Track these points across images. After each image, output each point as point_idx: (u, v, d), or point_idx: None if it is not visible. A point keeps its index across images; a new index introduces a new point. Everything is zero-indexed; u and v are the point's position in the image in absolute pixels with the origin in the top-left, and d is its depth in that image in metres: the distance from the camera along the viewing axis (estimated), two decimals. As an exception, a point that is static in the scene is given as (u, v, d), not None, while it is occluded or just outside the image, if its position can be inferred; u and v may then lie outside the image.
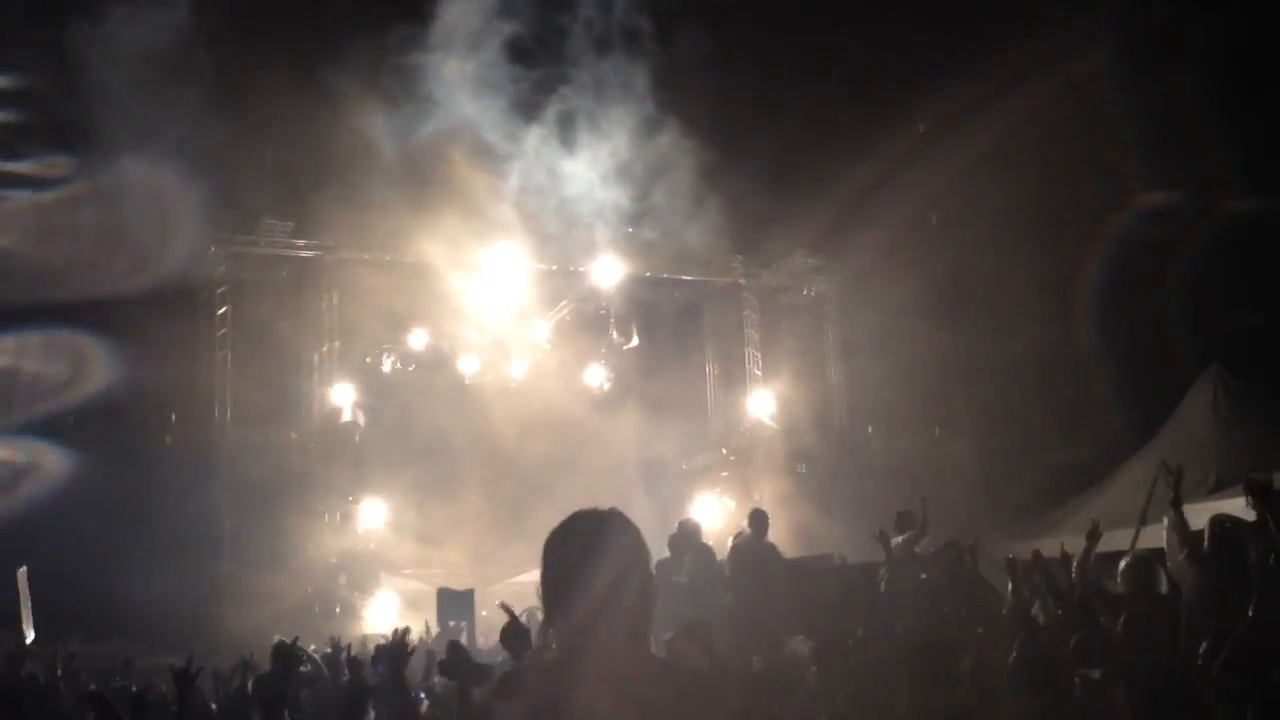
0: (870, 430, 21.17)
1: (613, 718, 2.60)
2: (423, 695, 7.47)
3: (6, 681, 8.43)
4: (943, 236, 19.20)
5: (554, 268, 19.95)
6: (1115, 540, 8.12)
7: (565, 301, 20.67)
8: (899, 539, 10.46)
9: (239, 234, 18.23)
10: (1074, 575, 6.83)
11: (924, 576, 9.13)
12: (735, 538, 10.70)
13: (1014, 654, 5.38)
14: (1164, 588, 6.59)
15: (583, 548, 2.75)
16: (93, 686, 9.57)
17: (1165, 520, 7.70)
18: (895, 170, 18.60)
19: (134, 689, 6.66)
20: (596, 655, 2.66)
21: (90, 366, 16.80)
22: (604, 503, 2.88)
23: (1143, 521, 9.56)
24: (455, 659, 5.97)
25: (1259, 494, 5.91)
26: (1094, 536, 7.17)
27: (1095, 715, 4.82)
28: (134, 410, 17.27)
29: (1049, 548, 8.70)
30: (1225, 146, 16.03)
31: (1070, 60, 17.13)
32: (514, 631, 5.92)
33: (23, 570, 13.61)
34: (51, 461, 16.74)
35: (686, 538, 10.54)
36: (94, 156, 15.13)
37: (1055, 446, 18.70)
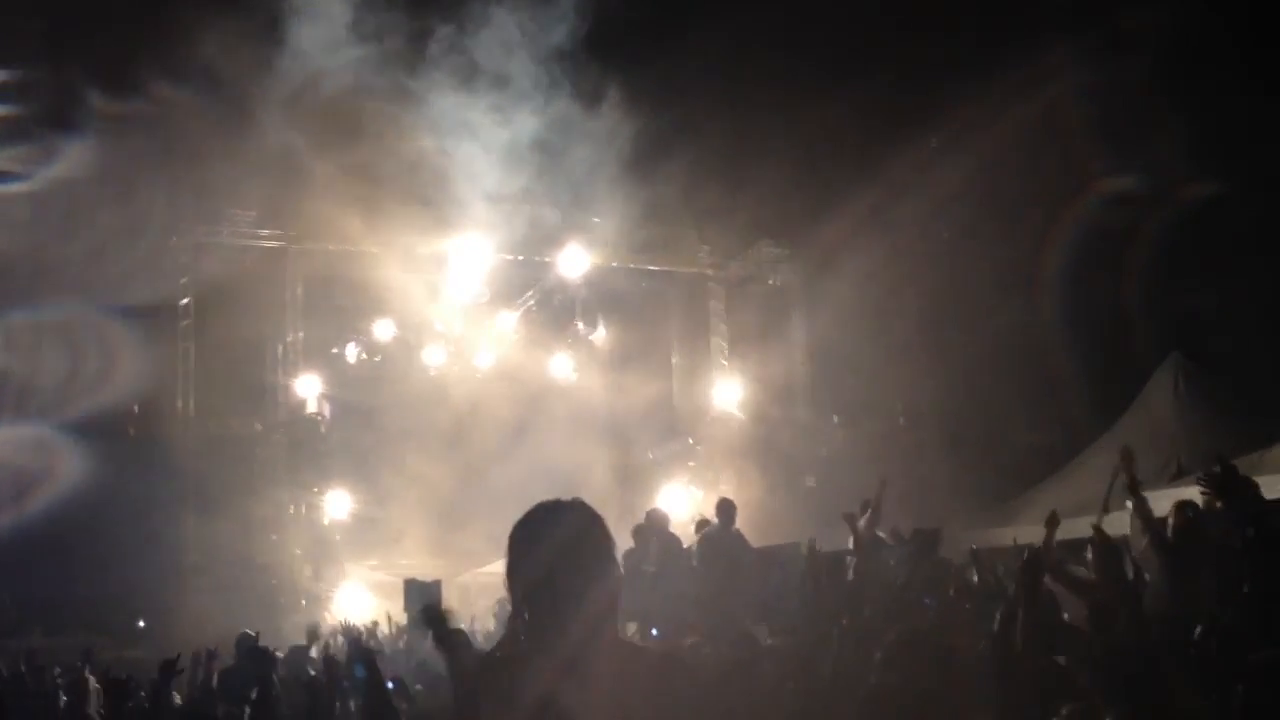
0: (835, 419, 21.25)
1: (586, 707, 2.60)
2: (391, 685, 7.47)
3: None
4: (907, 225, 19.29)
5: (519, 258, 19.88)
6: (1076, 528, 8.19)
7: (531, 292, 20.62)
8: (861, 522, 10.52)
9: (201, 224, 18.05)
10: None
11: (892, 564, 9.18)
12: (702, 527, 10.74)
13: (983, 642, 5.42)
14: (1130, 573, 6.67)
15: (546, 538, 2.76)
16: (59, 677, 9.52)
17: (1129, 507, 7.82)
18: (860, 159, 18.67)
19: (124, 676, 6.63)
20: (565, 645, 2.66)
21: (50, 359, 16.61)
22: (570, 493, 2.89)
23: (1105, 509, 9.65)
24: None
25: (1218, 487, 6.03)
26: (1053, 524, 7.25)
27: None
28: (96, 402, 17.09)
29: (1010, 536, 8.80)
30: (1181, 131, 16.18)
31: (1030, 48, 17.23)
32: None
33: None
34: (8, 455, 16.57)
35: (653, 527, 10.56)
36: (56, 146, 14.95)
37: (1019, 432, 18.90)
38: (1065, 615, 6.37)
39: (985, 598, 7.05)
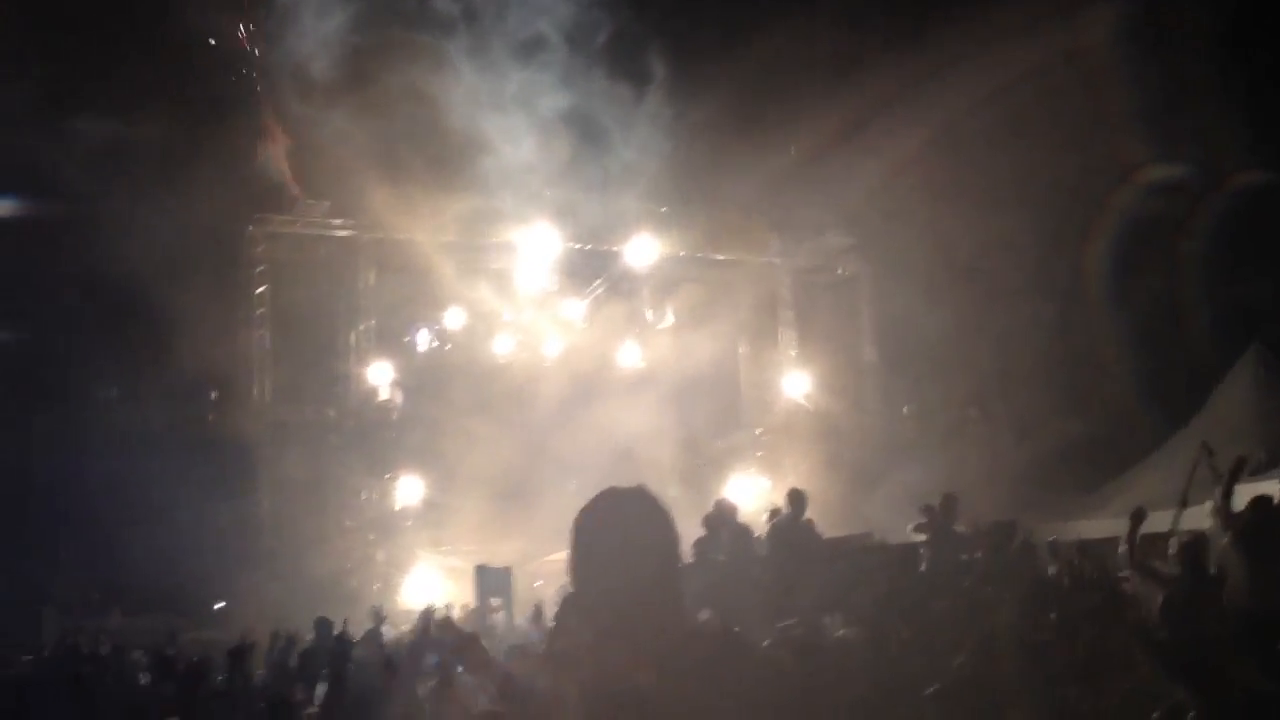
0: (905, 410, 21.07)
1: (657, 693, 2.58)
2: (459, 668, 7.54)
3: (65, 656, 8.57)
4: (977, 215, 19.03)
5: (588, 247, 19.94)
6: (1154, 522, 8.06)
7: (599, 281, 20.65)
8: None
9: (276, 214, 18.33)
10: (1122, 557, 6.83)
11: (964, 557, 9.09)
12: (773, 516, 10.69)
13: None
14: (1212, 569, 6.55)
15: (610, 525, 2.74)
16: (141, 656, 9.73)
17: (1209, 504, 7.68)
18: (929, 150, 18.47)
19: (195, 659, 6.79)
20: (631, 631, 2.63)
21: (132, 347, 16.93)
22: (637, 482, 2.84)
23: (1183, 503, 9.49)
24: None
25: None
26: (1138, 519, 7.12)
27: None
28: (174, 390, 17.44)
29: (1089, 529, 8.69)
30: (1234, 119, 15.85)
31: (1083, 38, 16.96)
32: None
33: None
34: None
35: (723, 516, 10.53)
36: (134, 138, 15.24)
37: (1089, 423, 18.60)
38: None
39: (1065, 589, 6.98)
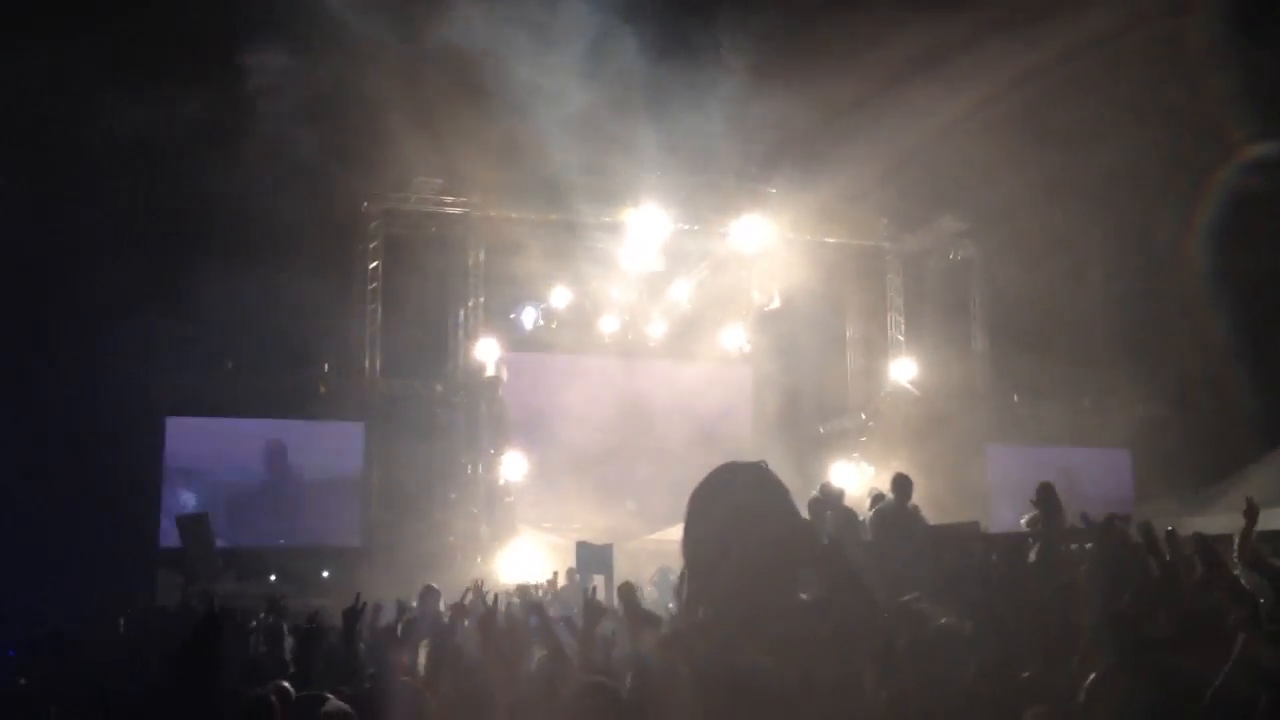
0: (1015, 398, 20.68)
1: (775, 675, 2.53)
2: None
3: (185, 615, 8.85)
4: (1090, 200, 18.58)
5: (696, 228, 19.92)
6: (1271, 519, 7.80)
7: (706, 262, 20.62)
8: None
9: (391, 191, 18.65)
10: (1235, 554, 6.60)
11: (1074, 548, 8.90)
12: (877, 501, 10.60)
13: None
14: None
15: (725, 501, 2.69)
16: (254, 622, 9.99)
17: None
18: (1040, 134, 18.03)
19: (311, 624, 6.97)
20: (748, 608, 2.60)
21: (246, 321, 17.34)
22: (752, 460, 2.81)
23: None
24: (594, 609, 6.03)
25: None
26: (1251, 515, 6.89)
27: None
28: (289, 361, 17.87)
29: (1205, 525, 8.41)
30: None
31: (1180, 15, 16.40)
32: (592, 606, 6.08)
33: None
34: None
35: (828, 500, 10.46)
36: (256, 114, 15.57)
37: (1206, 419, 18.08)
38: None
39: (1180, 582, 6.78)
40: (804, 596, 2.70)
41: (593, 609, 5.96)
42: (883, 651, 2.95)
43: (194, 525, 13.02)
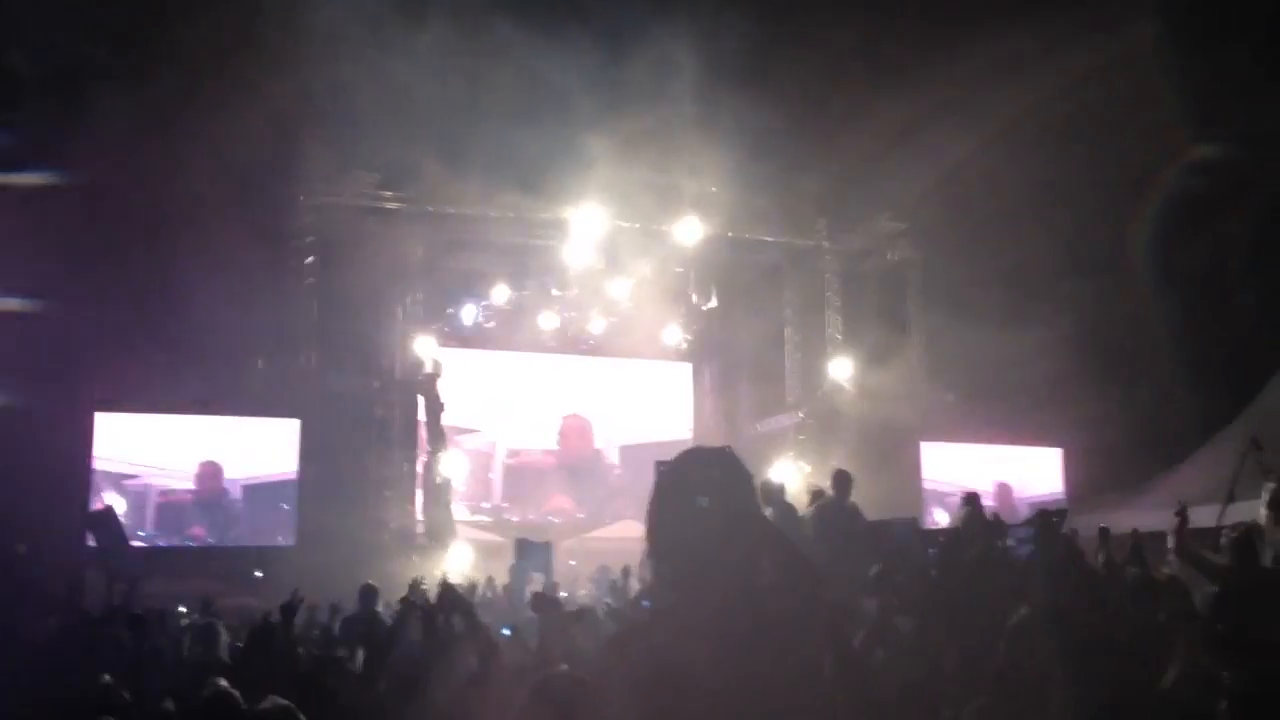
0: (951, 398, 20.91)
1: (738, 673, 2.52)
2: (505, 631, 7.59)
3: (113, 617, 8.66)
4: (1028, 201, 18.84)
5: (636, 226, 19.93)
6: (1199, 517, 7.99)
7: (645, 259, 20.63)
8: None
9: (327, 185, 18.43)
10: (1172, 549, 6.77)
11: (1011, 544, 9.02)
12: (817, 498, 10.64)
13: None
14: (1268, 560, 6.47)
15: (695, 485, 2.66)
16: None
17: (1264, 496, 7.60)
18: (979, 133, 18.26)
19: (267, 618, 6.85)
20: (715, 604, 2.58)
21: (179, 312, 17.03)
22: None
23: (1230, 498, 9.42)
24: (546, 601, 6.05)
25: None
26: (1182, 516, 7.06)
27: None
28: (224, 357, 17.56)
29: (1138, 521, 8.58)
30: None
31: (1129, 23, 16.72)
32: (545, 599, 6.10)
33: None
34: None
35: (768, 497, 10.50)
36: (195, 107, 15.33)
37: (1141, 415, 18.40)
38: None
39: (1107, 580, 6.91)
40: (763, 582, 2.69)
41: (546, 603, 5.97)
42: (838, 646, 2.93)
43: (103, 520, 12.70)
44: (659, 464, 2.81)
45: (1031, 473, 20.06)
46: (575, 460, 20.87)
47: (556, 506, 20.49)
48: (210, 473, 17.26)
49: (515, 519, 19.57)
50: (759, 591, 2.63)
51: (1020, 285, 18.85)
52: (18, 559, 11.63)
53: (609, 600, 11.61)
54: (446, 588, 6.57)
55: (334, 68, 16.01)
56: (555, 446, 20.90)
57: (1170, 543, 7.38)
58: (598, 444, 21.15)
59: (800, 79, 17.82)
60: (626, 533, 19.53)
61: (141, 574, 11.66)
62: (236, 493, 17.40)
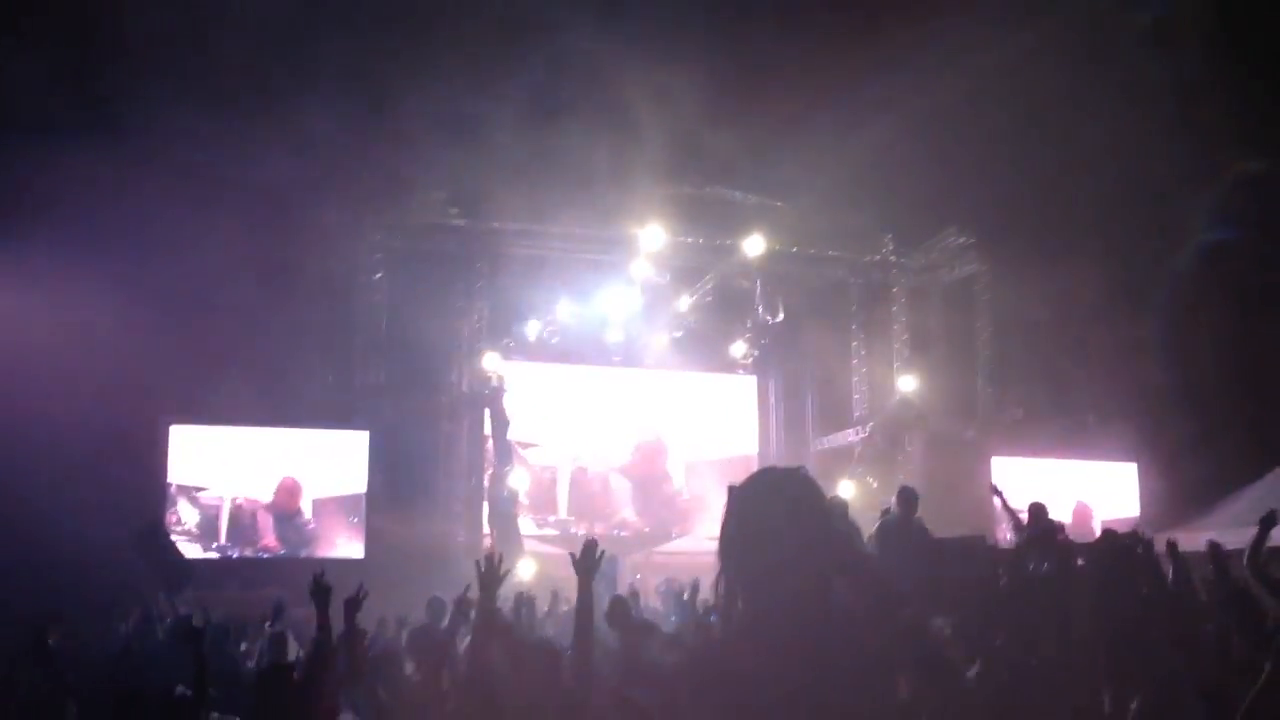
0: (1020, 413, 20.62)
1: (811, 696, 2.54)
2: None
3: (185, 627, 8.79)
4: (1101, 218, 18.55)
5: (700, 241, 19.95)
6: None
7: (711, 275, 20.64)
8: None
9: (395, 203, 18.66)
10: (1246, 562, 6.62)
11: (1079, 562, 8.86)
12: (883, 515, 10.56)
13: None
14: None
15: (769, 504, 2.72)
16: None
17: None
18: (1053, 150, 18.02)
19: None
20: (785, 617, 2.62)
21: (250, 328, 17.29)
22: (739, 479, 2.83)
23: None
24: (621, 613, 6.06)
25: None
26: (1268, 524, 6.88)
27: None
28: (295, 372, 17.82)
29: (1204, 539, 8.38)
30: None
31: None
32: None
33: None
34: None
35: (832, 515, 10.45)
36: (261, 126, 15.58)
37: (1215, 435, 18.02)
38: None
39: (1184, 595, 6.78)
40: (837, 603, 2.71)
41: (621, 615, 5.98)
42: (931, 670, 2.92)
43: (149, 536, 12.77)
44: (732, 487, 2.85)
45: (1105, 489, 19.70)
46: (643, 477, 20.89)
47: (622, 521, 20.51)
48: (289, 488, 17.49)
49: (581, 532, 19.61)
50: (834, 614, 2.67)
51: (1089, 298, 18.55)
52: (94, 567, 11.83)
53: (674, 619, 11.57)
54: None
55: (401, 86, 16.23)
56: (624, 462, 20.93)
57: (1245, 554, 7.21)
58: (663, 459, 21.18)
59: (867, 91, 17.70)
60: (692, 547, 19.55)
61: (187, 585, 11.72)
62: (308, 506, 17.62)
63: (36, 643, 5.06)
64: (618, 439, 20.89)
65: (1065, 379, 19.03)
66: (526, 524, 18.89)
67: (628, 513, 20.60)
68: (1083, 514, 19.05)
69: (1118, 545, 8.09)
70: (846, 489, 17.80)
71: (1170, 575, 7.42)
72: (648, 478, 20.91)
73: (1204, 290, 17.87)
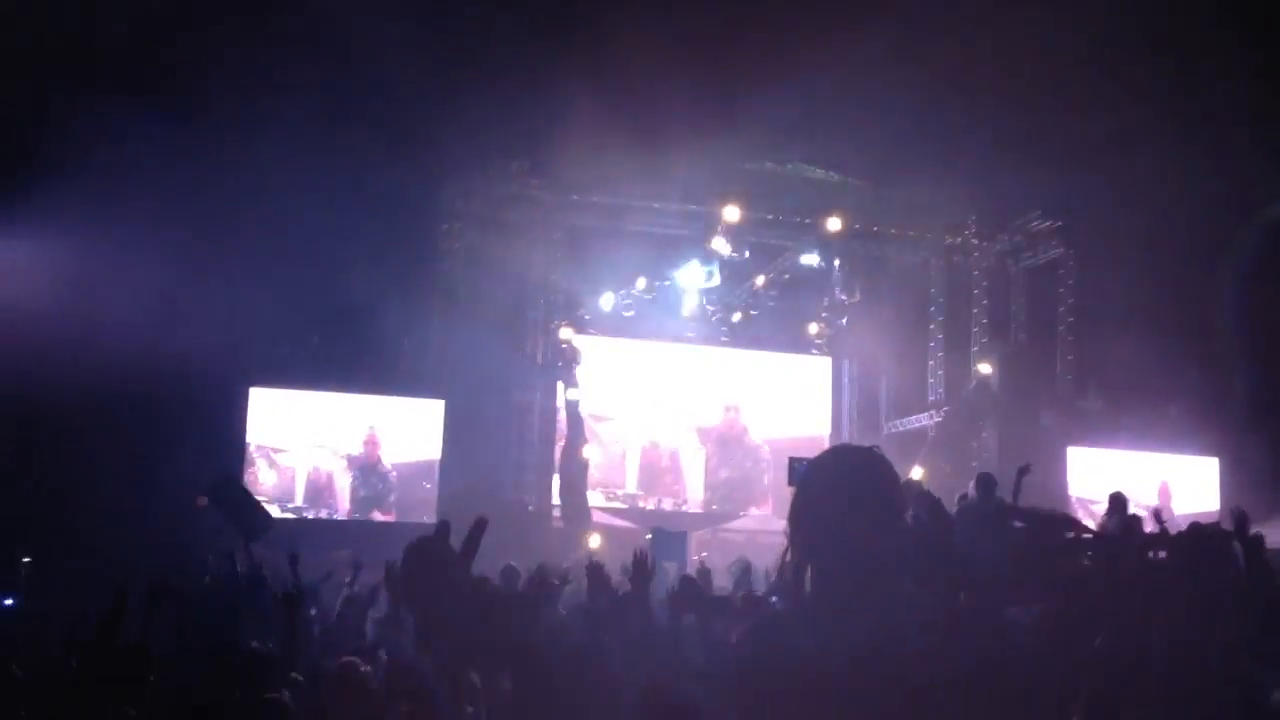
0: (1100, 403, 20.24)
1: (877, 667, 2.49)
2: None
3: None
4: (1181, 205, 18.07)
5: (779, 218, 19.79)
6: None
7: (789, 253, 20.49)
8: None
9: (474, 171, 18.72)
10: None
11: (1160, 555, 8.70)
12: (960, 499, 10.45)
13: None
14: None
15: (841, 483, 2.67)
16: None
17: None
18: (1139, 133, 17.57)
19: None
20: (850, 595, 2.57)
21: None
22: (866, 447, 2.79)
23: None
24: (691, 591, 6.06)
25: None
26: None
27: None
28: (371, 338, 18.02)
29: None
30: None
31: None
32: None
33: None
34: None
35: (910, 496, 10.33)
36: (344, 92, 15.71)
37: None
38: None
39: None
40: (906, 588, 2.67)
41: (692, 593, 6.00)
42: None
43: (224, 487, 12.88)
44: (793, 460, 2.81)
45: (1185, 483, 19.30)
46: (722, 438, 20.85)
47: (691, 497, 20.51)
48: (373, 440, 17.77)
49: (650, 507, 19.66)
50: (901, 596, 2.63)
51: (1176, 286, 18.14)
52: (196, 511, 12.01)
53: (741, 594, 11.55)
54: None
55: (482, 56, 16.26)
56: (695, 436, 20.89)
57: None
58: (736, 436, 21.11)
59: (948, 72, 17.39)
60: (762, 525, 19.49)
61: (265, 534, 11.83)
62: (388, 468, 17.88)
63: (115, 608, 5.14)
64: (687, 413, 20.84)
65: (1147, 369, 18.61)
66: (595, 496, 18.96)
67: (696, 489, 20.58)
68: (1165, 494, 18.72)
69: (1204, 538, 7.94)
70: (918, 475, 17.63)
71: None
72: (728, 439, 20.85)
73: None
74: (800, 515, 2.69)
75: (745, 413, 21.09)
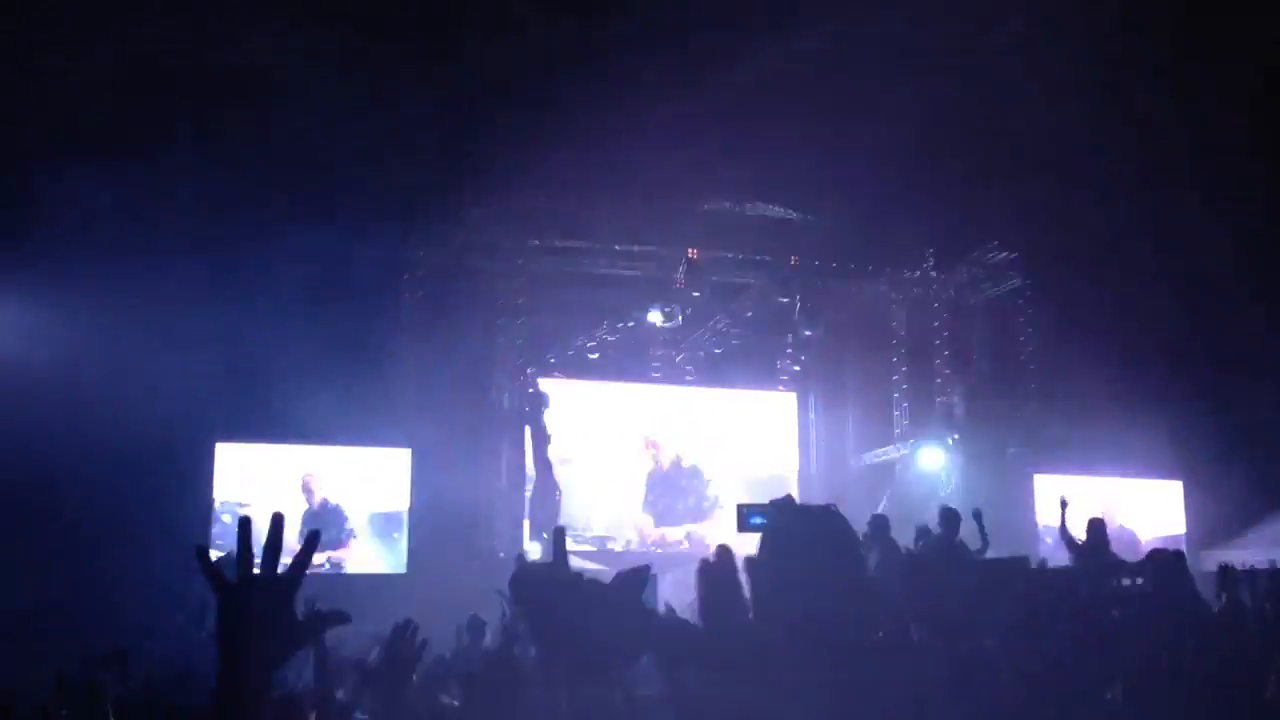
0: (1064, 431, 20.43)
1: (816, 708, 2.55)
2: None
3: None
4: (1139, 232, 18.33)
5: (740, 256, 19.94)
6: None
7: (751, 291, 20.61)
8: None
9: (433, 220, 18.75)
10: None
11: (1125, 583, 8.78)
12: (923, 535, 10.51)
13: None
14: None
15: (794, 539, 2.72)
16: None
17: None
18: (1098, 162, 17.82)
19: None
20: (798, 648, 2.61)
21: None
22: (776, 496, 2.91)
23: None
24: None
25: None
26: None
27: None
28: (334, 388, 17.93)
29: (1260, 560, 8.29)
30: None
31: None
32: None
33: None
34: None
35: (874, 534, 10.38)
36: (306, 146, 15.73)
37: (1262, 449, 17.78)
38: None
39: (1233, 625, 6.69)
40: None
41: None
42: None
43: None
44: (741, 506, 2.88)
45: (1150, 506, 19.48)
46: (666, 484, 20.73)
47: (658, 538, 20.45)
48: (307, 485, 17.66)
49: (619, 549, 19.61)
50: (861, 652, 2.66)
51: (1135, 313, 18.37)
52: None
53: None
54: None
55: (439, 105, 16.32)
56: (646, 474, 20.82)
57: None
58: (685, 463, 20.97)
59: (907, 103, 17.59)
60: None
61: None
62: (334, 504, 17.76)
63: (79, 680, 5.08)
64: (654, 455, 20.83)
65: (1110, 395, 18.81)
66: (568, 538, 18.86)
67: (662, 529, 20.52)
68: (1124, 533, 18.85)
69: (1164, 565, 8.01)
70: (887, 508, 17.70)
71: (1224, 600, 7.34)
72: (666, 473, 20.75)
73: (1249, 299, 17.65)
74: (757, 576, 2.76)
75: (712, 450, 21.03)
